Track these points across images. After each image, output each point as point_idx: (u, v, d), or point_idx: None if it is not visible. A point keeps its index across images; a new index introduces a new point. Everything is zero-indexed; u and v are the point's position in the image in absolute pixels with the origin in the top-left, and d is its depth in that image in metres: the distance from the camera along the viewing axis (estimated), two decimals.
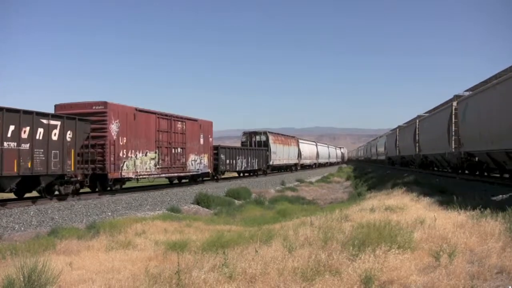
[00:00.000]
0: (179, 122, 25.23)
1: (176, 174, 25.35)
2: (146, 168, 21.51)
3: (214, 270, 6.20)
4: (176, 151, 24.55)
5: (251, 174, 40.03)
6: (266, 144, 43.01)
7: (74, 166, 16.92)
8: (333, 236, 7.80)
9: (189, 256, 7.78)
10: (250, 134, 43.94)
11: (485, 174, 22.68)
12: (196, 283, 5.67)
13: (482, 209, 9.39)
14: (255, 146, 42.03)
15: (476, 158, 22.16)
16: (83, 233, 11.29)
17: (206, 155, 28.63)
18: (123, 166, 19.59)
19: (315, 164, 70.62)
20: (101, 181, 19.56)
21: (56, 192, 17.11)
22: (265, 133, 43.99)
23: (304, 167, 62.28)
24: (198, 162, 27.38)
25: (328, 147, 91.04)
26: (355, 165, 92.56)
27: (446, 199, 13.00)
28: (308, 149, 63.78)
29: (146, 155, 21.49)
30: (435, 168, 33.60)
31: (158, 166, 22.48)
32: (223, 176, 34.74)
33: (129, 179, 21.08)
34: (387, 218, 9.24)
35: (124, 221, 12.90)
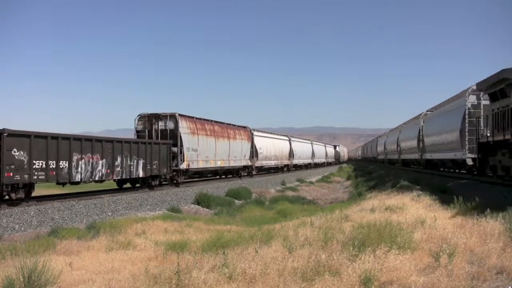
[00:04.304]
0: None
1: None
2: None
3: (214, 271, 6.20)
4: None
5: (146, 183, 22.89)
6: (174, 134, 25.52)
7: None
8: (333, 236, 7.80)
9: (189, 256, 7.78)
10: (149, 119, 26.19)
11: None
12: (196, 283, 5.67)
13: (482, 209, 9.38)
14: (157, 137, 25.46)
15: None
16: (83, 233, 11.30)
17: None
18: None
19: (287, 166, 51.82)
20: None
21: None
22: (173, 116, 25.86)
23: (265, 170, 45.68)
24: None
25: (311, 144, 70.46)
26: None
27: (447, 199, 12.99)
28: (271, 146, 45.02)
29: None
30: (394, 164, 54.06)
31: None
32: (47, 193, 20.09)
33: None
34: (387, 219, 9.23)
35: (124, 221, 12.91)
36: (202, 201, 20.40)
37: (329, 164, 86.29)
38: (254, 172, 39.76)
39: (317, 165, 72.49)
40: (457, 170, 26.25)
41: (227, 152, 32.79)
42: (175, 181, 25.69)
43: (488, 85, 17.60)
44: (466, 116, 22.16)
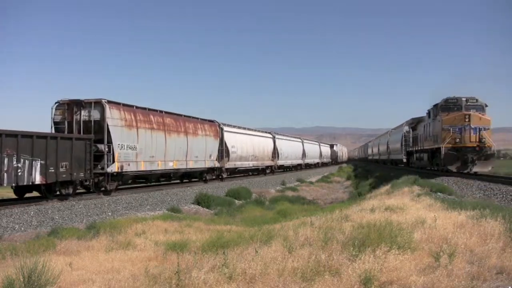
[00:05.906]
0: None
1: None
2: None
3: (213, 271, 6.19)
4: None
5: (53, 193, 17.25)
6: (101, 126, 19.49)
7: None
8: (333, 237, 7.78)
9: (189, 256, 7.77)
10: (69, 107, 19.87)
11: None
12: (195, 283, 5.67)
13: (482, 209, 9.38)
14: (79, 130, 19.41)
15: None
16: (83, 233, 11.29)
17: None
18: None
19: (270, 167, 45.75)
20: None
21: None
22: (99, 103, 19.69)
23: (241, 172, 39.67)
24: None
25: (302, 142, 62.84)
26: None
27: (447, 199, 12.98)
28: (248, 144, 38.36)
29: None
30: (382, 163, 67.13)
31: None
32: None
33: None
34: (387, 218, 9.23)
35: (124, 221, 12.91)
36: (202, 201, 20.43)
37: (324, 164, 79.94)
38: (225, 175, 33.43)
39: (309, 166, 65.86)
40: (401, 165, 42.79)
41: (184, 151, 26.14)
42: (103, 189, 19.61)
43: (409, 123, 35.91)
44: (403, 137, 38.28)
